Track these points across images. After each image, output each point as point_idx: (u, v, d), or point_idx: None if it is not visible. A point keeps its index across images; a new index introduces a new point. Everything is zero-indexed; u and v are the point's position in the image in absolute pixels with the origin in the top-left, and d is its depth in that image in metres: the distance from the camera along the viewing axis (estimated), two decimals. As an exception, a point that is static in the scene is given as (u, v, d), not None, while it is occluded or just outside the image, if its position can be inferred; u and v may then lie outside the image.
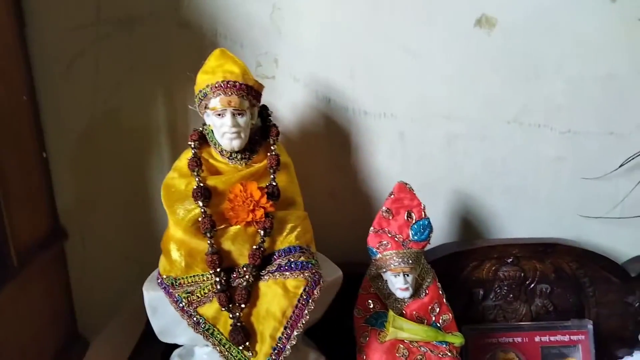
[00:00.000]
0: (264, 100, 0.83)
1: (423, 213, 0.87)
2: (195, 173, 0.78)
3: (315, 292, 0.73)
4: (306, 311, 0.72)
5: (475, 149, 1.06)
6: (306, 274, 0.74)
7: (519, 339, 0.99)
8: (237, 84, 0.75)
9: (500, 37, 1.00)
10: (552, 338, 1.00)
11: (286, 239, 0.78)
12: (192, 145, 0.80)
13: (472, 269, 1.02)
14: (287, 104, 1.01)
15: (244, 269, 0.76)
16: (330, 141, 1.04)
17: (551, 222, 1.09)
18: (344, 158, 1.05)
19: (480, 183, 1.07)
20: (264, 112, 0.85)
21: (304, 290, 0.73)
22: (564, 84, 1.03)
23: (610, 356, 1.02)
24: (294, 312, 0.72)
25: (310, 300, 0.73)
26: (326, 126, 1.03)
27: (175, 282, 0.77)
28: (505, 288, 1.02)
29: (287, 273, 0.75)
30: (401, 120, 1.03)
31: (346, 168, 1.05)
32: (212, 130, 0.80)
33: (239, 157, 0.80)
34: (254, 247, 0.76)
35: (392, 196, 0.88)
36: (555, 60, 1.01)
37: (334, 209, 1.06)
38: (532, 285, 1.03)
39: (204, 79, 0.77)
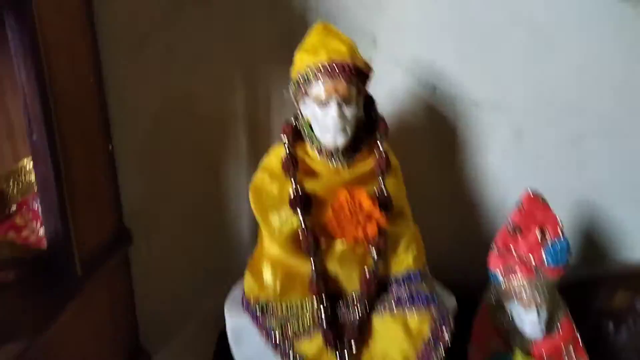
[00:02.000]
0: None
1: (561, 232, 0.75)
2: (290, 175, 0.68)
3: (445, 334, 0.61)
4: (435, 357, 0.59)
5: (605, 150, 0.94)
6: (433, 311, 0.62)
7: (660, 385, 0.84)
8: (346, 66, 0.64)
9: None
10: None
11: (403, 261, 0.69)
12: (286, 142, 0.69)
13: (602, 300, 0.88)
14: (384, 91, 0.88)
15: (355, 298, 0.66)
16: (434, 136, 0.94)
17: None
18: (449, 156, 0.95)
19: (610, 192, 0.95)
20: (369, 103, 0.73)
21: (431, 330, 0.61)
22: None
23: None
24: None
25: (439, 345, 0.60)
26: (430, 119, 0.93)
27: (267, 309, 0.68)
28: (643, 322, 0.89)
29: (409, 308, 0.64)
30: (518, 114, 0.92)
31: (451, 168, 0.96)
32: (309, 124, 0.69)
33: (341, 156, 0.69)
34: (367, 271, 0.65)
35: (522, 209, 0.76)
36: None
37: (435, 217, 0.94)
38: (678, 319, 0.88)
39: (304, 59, 0.66)
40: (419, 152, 0.93)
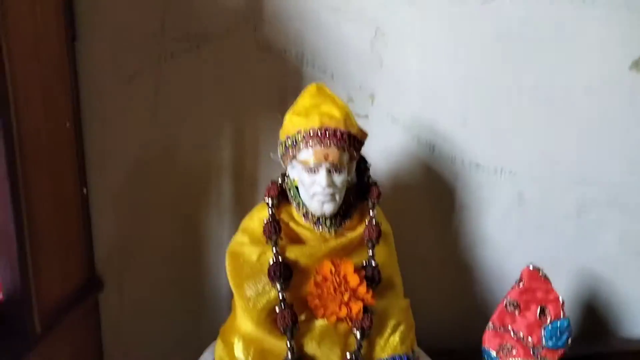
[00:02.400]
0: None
1: (562, 311, 0.70)
2: (272, 241, 0.62)
3: None
4: None
5: (612, 220, 0.90)
6: None
7: None
8: (338, 132, 0.60)
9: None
10: None
11: (388, 344, 0.63)
12: (270, 203, 0.64)
13: None
14: (379, 149, 0.85)
15: None
16: (431, 197, 0.90)
17: None
18: (446, 219, 0.90)
19: (615, 263, 0.91)
20: (362, 166, 0.68)
21: None
22: None
23: None
24: None
25: None
26: (427, 178, 0.89)
27: None
28: (649, 406, 0.81)
29: None
30: (521, 179, 0.89)
31: (448, 231, 0.91)
32: (296, 187, 0.64)
33: (328, 223, 0.64)
34: (348, 353, 0.59)
35: (521, 285, 0.71)
36: None
37: (426, 281, 0.90)
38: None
39: (294, 123, 0.62)
40: (415, 212, 0.88)
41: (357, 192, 0.67)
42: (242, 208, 0.78)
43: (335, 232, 0.64)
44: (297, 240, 0.64)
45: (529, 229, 0.89)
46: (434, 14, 0.81)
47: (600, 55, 0.82)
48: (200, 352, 0.72)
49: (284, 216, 0.65)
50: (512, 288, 0.70)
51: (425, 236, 0.89)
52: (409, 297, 0.71)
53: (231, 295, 0.70)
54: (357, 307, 0.57)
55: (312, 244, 0.63)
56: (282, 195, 0.66)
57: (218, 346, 0.65)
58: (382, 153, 0.85)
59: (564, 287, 0.90)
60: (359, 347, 0.59)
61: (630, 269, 0.89)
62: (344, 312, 0.57)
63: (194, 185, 0.87)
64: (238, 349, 0.60)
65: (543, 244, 0.88)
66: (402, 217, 0.83)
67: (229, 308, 0.71)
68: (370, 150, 0.81)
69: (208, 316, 0.87)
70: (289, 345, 0.58)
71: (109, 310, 0.91)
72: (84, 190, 0.84)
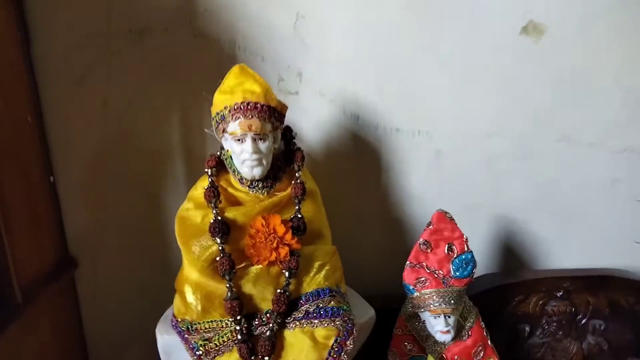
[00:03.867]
0: (287, 118, 0.75)
1: (466, 246, 0.80)
2: (212, 204, 0.71)
3: (348, 342, 0.67)
4: (338, 365, 0.64)
5: (519, 169, 0.99)
6: (337, 322, 0.67)
7: (571, 382, 0.90)
8: (259, 105, 0.68)
9: (549, 45, 0.92)
10: (608, 381, 0.90)
11: (314, 280, 0.72)
12: (209, 173, 0.73)
13: (516, 304, 0.95)
14: (311, 121, 0.94)
15: (267, 315, 0.69)
16: (358, 161, 0.98)
17: (604, 250, 1.02)
18: (373, 180, 0.99)
19: (524, 207, 1.01)
20: (288, 134, 0.77)
21: (336, 341, 0.67)
22: (621, 97, 0.94)
23: (674, 400, 0.92)
24: (324, 367, 0.65)
25: (342, 353, 0.65)
26: (354, 145, 0.96)
27: (191, 327, 0.71)
28: (554, 324, 0.95)
29: (316, 321, 0.68)
30: (437, 138, 0.97)
31: (376, 191, 0.99)
32: (230, 156, 0.73)
33: (260, 185, 0.73)
34: (278, 290, 0.69)
35: (431, 227, 0.81)
36: (611, 70, 0.93)
37: (363, 235, 0.99)
38: (584, 321, 0.95)
39: (221, 100, 0.70)
40: (346, 175, 0.96)
41: (285, 157, 0.75)
42: (195, 180, 0.82)
43: (268, 193, 0.73)
44: (236, 203, 0.73)
45: (447, 182, 0.97)
46: None
47: (497, 23, 0.90)
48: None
49: (223, 183, 0.74)
50: (424, 230, 0.80)
51: (358, 195, 0.97)
52: (342, 247, 0.79)
53: None
54: (284, 251, 0.67)
55: (248, 205, 0.72)
56: (221, 165, 0.74)
57: (175, 297, 0.74)
58: (313, 124, 0.94)
59: (483, 230, 1.01)
60: (287, 284, 0.68)
61: (537, 210, 0.99)
62: (273, 256, 0.67)
63: (151, 165, 0.94)
64: (189, 293, 0.70)
65: (461, 194, 0.97)
66: (335, 180, 0.94)
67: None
68: (303, 122, 0.92)
69: (173, 278, 0.94)
70: (228, 286, 0.67)
71: (85, 285, 0.99)
72: (51, 178, 0.91)
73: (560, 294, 0.93)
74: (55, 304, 0.92)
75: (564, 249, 1.01)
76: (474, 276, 0.80)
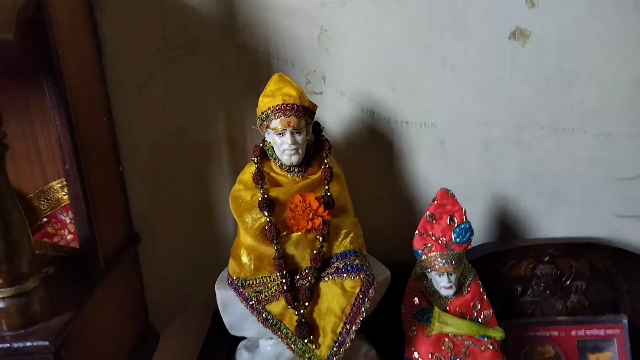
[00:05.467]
0: (315, 114, 0.91)
1: (464, 217, 0.95)
2: (259, 186, 0.87)
3: (370, 291, 0.82)
4: (363, 308, 0.82)
5: (510, 153, 1.11)
6: (361, 276, 0.83)
7: (556, 333, 1.05)
8: (295, 106, 0.84)
9: (533, 48, 1.05)
10: (588, 332, 1.05)
11: (342, 244, 0.87)
12: (255, 160, 0.90)
13: (510, 267, 1.08)
14: (334, 117, 1.09)
15: (306, 271, 0.85)
16: (374, 150, 1.11)
17: (586, 221, 1.15)
18: (387, 165, 1.12)
19: (516, 185, 1.13)
20: (317, 128, 0.93)
21: (360, 290, 0.83)
22: (596, 89, 1.08)
23: (646, 349, 1.06)
24: (352, 310, 0.82)
25: (366, 299, 0.82)
26: (371, 136, 1.10)
27: (245, 283, 0.86)
28: (542, 285, 1.08)
29: (345, 275, 0.84)
30: (440, 129, 1.10)
31: (390, 174, 1.12)
32: (272, 147, 0.90)
33: (296, 170, 0.89)
34: (314, 251, 0.85)
35: (435, 202, 0.96)
36: (587, 67, 1.07)
37: (380, 212, 1.13)
38: (568, 282, 1.08)
39: (265, 102, 0.87)
40: (364, 162, 1.10)
41: (315, 147, 0.91)
42: (237, 169, 0.97)
43: (302, 176, 0.89)
44: (276, 184, 0.89)
45: (450, 166, 1.10)
46: (361, 13, 1.01)
47: (489, 30, 1.03)
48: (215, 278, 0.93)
49: (266, 169, 0.89)
50: (430, 205, 0.94)
51: (375, 179, 1.11)
52: (362, 221, 0.93)
53: (233, 231, 0.96)
54: (318, 221, 0.83)
55: (287, 185, 0.88)
56: (264, 154, 0.90)
57: (230, 262, 0.90)
58: (335, 119, 1.08)
59: (481, 206, 1.13)
60: (321, 246, 0.83)
61: (527, 188, 1.12)
62: (310, 225, 0.83)
63: (200, 156, 1.09)
64: (244, 255, 0.85)
65: (462, 176, 1.10)
66: (355, 166, 1.07)
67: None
68: (327, 117, 1.07)
69: (220, 251, 1.10)
70: (276, 248, 0.83)
71: (146, 258, 1.14)
72: (120, 167, 1.08)
73: (547, 259, 1.06)
74: (125, 271, 1.08)
75: (551, 222, 1.15)
76: (472, 243, 0.95)
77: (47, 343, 0.76)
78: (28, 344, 0.76)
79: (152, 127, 1.08)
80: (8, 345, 0.76)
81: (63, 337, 0.78)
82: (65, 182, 1.00)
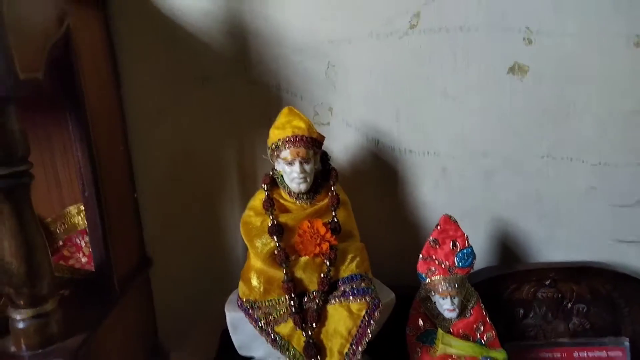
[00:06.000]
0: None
1: (467, 242, 0.98)
2: (269, 212, 0.91)
3: (375, 314, 0.86)
4: (369, 330, 0.84)
5: (511, 181, 1.15)
6: (367, 299, 0.87)
7: (558, 355, 1.08)
8: (304, 137, 0.89)
9: (531, 81, 1.10)
10: (590, 354, 1.08)
11: (348, 268, 0.90)
12: (265, 188, 0.94)
13: (512, 291, 1.11)
14: (340, 146, 1.13)
15: (314, 294, 0.88)
16: (380, 177, 1.14)
17: (586, 246, 1.18)
18: (392, 192, 1.15)
19: (517, 212, 1.16)
20: (325, 157, 0.97)
21: (366, 312, 0.86)
22: (593, 120, 1.12)
23: (648, 372, 1.08)
24: (358, 331, 0.85)
25: (372, 321, 0.85)
26: (376, 164, 1.13)
27: (255, 305, 0.89)
28: (544, 308, 1.11)
29: (351, 298, 0.87)
30: (443, 157, 1.13)
31: (395, 201, 1.16)
32: (281, 175, 0.94)
33: (304, 197, 0.93)
34: (322, 275, 0.88)
35: (439, 227, 0.99)
36: (583, 99, 1.11)
37: (385, 237, 1.17)
38: (569, 305, 1.11)
39: (276, 134, 0.91)
40: (369, 188, 1.13)
41: (323, 175, 0.95)
42: (247, 196, 0.99)
43: (310, 203, 0.92)
44: (285, 210, 0.93)
45: (453, 192, 1.14)
46: (366, 49, 1.07)
47: (489, 65, 1.08)
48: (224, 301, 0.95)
49: (275, 196, 0.93)
50: (433, 230, 0.98)
51: (380, 205, 1.14)
52: (368, 245, 0.96)
53: (245, 257, 0.97)
54: (325, 246, 0.87)
55: (295, 212, 0.92)
56: (273, 182, 0.94)
57: (240, 285, 0.93)
58: (342, 149, 1.12)
59: (482, 231, 1.16)
60: (329, 270, 0.86)
61: (527, 214, 1.15)
62: (317, 249, 0.86)
63: (211, 183, 1.12)
64: (253, 279, 0.88)
65: (464, 202, 1.13)
66: (360, 193, 1.10)
67: (243, 265, 0.96)
68: (334, 147, 1.11)
69: (230, 274, 1.14)
70: (285, 272, 0.86)
71: (157, 281, 1.17)
72: (135, 194, 1.12)
73: (548, 282, 1.09)
74: (138, 293, 1.11)
75: (552, 246, 1.18)
76: (474, 267, 0.98)
77: (64, 362, 0.78)
78: (46, 362, 0.78)
79: (165, 155, 1.12)
80: (26, 364, 0.79)
81: (79, 356, 0.81)
82: (81, 207, 1.05)
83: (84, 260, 1.10)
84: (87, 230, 0.97)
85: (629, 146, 1.13)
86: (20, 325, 0.80)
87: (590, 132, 1.13)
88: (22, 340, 0.81)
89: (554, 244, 1.19)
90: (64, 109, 0.90)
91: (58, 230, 1.10)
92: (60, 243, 1.10)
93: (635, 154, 1.14)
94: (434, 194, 1.15)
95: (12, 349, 0.81)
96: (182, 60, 1.07)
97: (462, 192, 1.15)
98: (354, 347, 0.84)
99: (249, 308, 0.90)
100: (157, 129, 1.10)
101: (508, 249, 1.19)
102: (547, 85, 1.10)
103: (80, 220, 1.09)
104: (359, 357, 0.84)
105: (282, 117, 0.91)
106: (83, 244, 1.11)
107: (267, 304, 0.89)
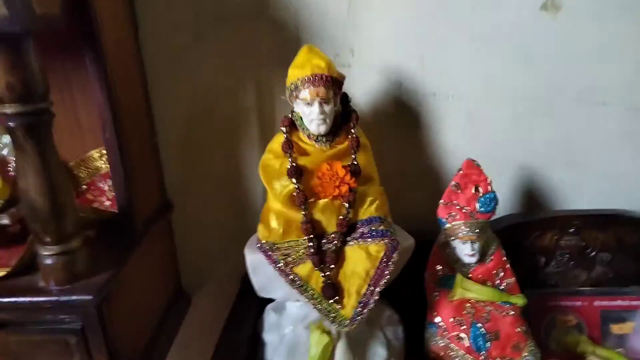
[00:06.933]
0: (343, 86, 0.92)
1: (489, 187, 0.96)
2: (288, 154, 0.90)
3: (394, 255, 0.85)
4: (387, 272, 0.85)
5: (539, 125, 1.11)
6: (385, 240, 0.86)
7: (579, 303, 1.06)
8: (324, 76, 0.86)
9: (565, 20, 1.04)
10: (611, 303, 1.06)
11: (367, 210, 0.90)
12: (284, 130, 0.93)
13: (535, 238, 1.09)
14: (362, 89, 1.11)
15: (333, 235, 0.88)
16: (402, 122, 1.12)
17: (615, 195, 1.14)
18: (415, 137, 1.14)
19: (544, 158, 1.14)
20: (345, 99, 0.95)
21: (384, 254, 0.86)
22: (628, 63, 1.06)
23: (671, 321, 1.06)
24: (376, 273, 0.85)
25: (389, 263, 0.85)
26: (398, 108, 1.11)
27: (274, 247, 0.90)
28: (567, 256, 1.09)
29: (370, 239, 0.87)
30: (468, 101, 1.10)
31: (417, 146, 1.14)
32: (300, 117, 0.92)
33: (324, 139, 0.92)
34: (340, 217, 0.88)
35: (461, 172, 0.97)
36: (619, 40, 1.05)
37: (405, 182, 1.15)
38: (593, 253, 1.09)
39: (294, 73, 0.89)
40: (391, 134, 1.12)
41: (343, 118, 0.93)
42: (266, 141, 0.98)
43: (330, 145, 0.91)
44: (304, 153, 0.91)
45: (477, 138, 1.11)
46: None
47: (520, 2, 1.03)
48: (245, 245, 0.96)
49: (294, 138, 0.92)
50: (455, 174, 0.96)
51: (401, 150, 1.13)
52: (388, 191, 0.96)
53: (264, 201, 0.97)
54: (344, 188, 0.86)
55: (315, 154, 0.91)
56: (292, 124, 0.93)
57: (259, 227, 0.93)
58: (364, 91, 1.10)
59: (507, 178, 1.14)
60: (347, 212, 0.86)
61: (555, 161, 1.12)
62: (336, 192, 0.86)
63: (230, 126, 1.12)
64: (273, 220, 0.89)
65: (489, 148, 1.10)
66: (382, 138, 1.08)
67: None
68: (355, 89, 1.08)
69: (249, 218, 1.16)
70: (303, 213, 0.86)
71: (179, 225, 1.20)
72: (155, 138, 1.12)
73: (572, 230, 1.07)
74: (159, 237, 1.13)
75: (579, 194, 1.15)
76: (497, 213, 0.96)
77: (90, 297, 0.81)
78: (73, 297, 0.82)
79: (184, 99, 1.12)
80: (55, 298, 0.82)
81: (104, 293, 0.84)
82: (103, 151, 1.07)
83: (107, 203, 1.11)
84: (110, 172, 0.99)
85: (666, 91, 1.07)
86: (48, 261, 0.83)
87: (626, 76, 1.07)
88: (50, 276, 0.84)
89: (582, 193, 1.16)
90: (81, 51, 0.89)
91: (81, 175, 1.12)
92: (84, 187, 1.12)
93: (672, 98, 1.08)
94: (458, 139, 1.13)
95: (41, 283, 0.84)
96: (199, 1, 1.04)
97: (487, 137, 1.13)
98: (372, 288, 0.85)
99: (268, 249, 0.90)
100: (175, 73, 1.09)
101: (534, 198, 1.17)
102: (582, 25, 1.04)
103: (102, 164, 1.11)
104: (377, 297, 0.85)
105: (301, 56, 0.89)
106: (106, 188, 1.12)
107: (286, 245, 0.89)
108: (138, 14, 1.05)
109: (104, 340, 0.83)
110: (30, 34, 0.72)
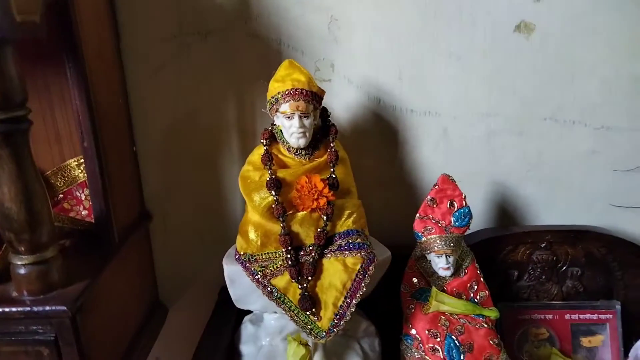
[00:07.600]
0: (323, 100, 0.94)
1: (464, 202, 0.99)
2: (267, 167, 0.91)
3: (370, 268, 0.87)
4: (363, 284, 0.86)
5: (512, 143, 1.14)
6: (362, 253, 0.87)
7: (550, 316, 1.09)
8: (304, 91, 0.88)
9: (538, 41, 1.08)
10: (581, 316, 1.09)
11: (345, 223, 0.91)
12: (264, 143, 0.94)
13: (508, 252, 1.12)
14: (341, 104, 1.12)
15: (310, 247, 0.89)
16: (380, 137, 1.14)
17: (583, 210, 1.18)
18: (392, 152, 1.15)
19: (516, 174, 1.16)
20: (324, 113, 0.97)
21: (361, 266, 0.87)
22: (598, 83, 1.11)
23: (638, 334, 1.08)
24: (352, 285, 0.86)
25: (366, 275, 0.86)
26: (376, 123, 1.13)
27: (252, 258, 0.90)
28: (539, 270, 1.12)
29: (347, 252, 0.88)
30: (444, 118, 1.13)
31: (394, 161, 1.16)
32: (281, 130, 0.93)
33: (303, 152, 0.93)
34: (319, 229, 0.89)
35: (437, 187, 1.00)
36: (590, 62, 1.09)
37: (382, 196, 1.17)
38: (564, 268, 1.12)
39: (275, 87, 0.90)
40: (369, 148, 1.13)
41: (322, 132, 0.95)
42: (247, 151, 0.99)
43: (309, 159, 0.92)
44: (284, 166, 0.92)
45: (452, 154, 1.13)
46: (370, 3, 1.04)
47: (495, 23, 1.06)
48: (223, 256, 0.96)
49: (274, 151, 0.93)
50: (431, 189, 0.98)
51: (379, 164, 1.14)
52: (365, 204, 0.96)
53: (243, 212, 0.97)
54: (323, 201, 0.87)
55: (294, 167, 0.91)
56: (272, 137, 0.94)
57: (237, 238, 0.94)
58: (343, 106, 1.11)
59: (481, 193, 1.17)
60: (325, 225, 0.87)
61: (527, 177, 1.15)
62: (315, 204, 0.87)
63: (211, 138, 1.12)
64: (251, 232, 0.89)
65: (464, 164, 1.13)
66: (360, 152, 1.11)
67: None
68: (334, 104, 1.10)
69: (228, 230, 1.15)
70: (282, 226, 0.87)
71: (156, 235, 1.19)
72: (134, 148, 1.12)
73: (544, 245, 1.10)
74: (137, 247, 1.12)
75: (549, 210, 1.18)
76: (471, 227, 0.99)
77: (64, 308, 0.80)
78: (47, 308, 0.80)
79: (165, 110, 1.12)
80: (28, 308, 0.81)
81: (79, 303, 0.83)
82: (81, 160, 1.06)
83: (84, 212, 1.11)
84: (87, 181, 0.98)
85: (633, 111, 1.12)
86: (22, 270, 0.82)
87: (595, 95, 1.11)
88: (24, 286, 0.83)
89: (553, 208, 1.19)
90: (62, 59, 0.89)
91: (58, 184, 1.11)
92: (61, 196, 1.11)
93: (638, 119, 1.12)
94: (434, 154, 1.15)
95: (14, 293, 0.83)
96: (182, 14, 1.06)
97: (462, 153, 1.15)
98: (348, 300, 0.86)
99: (246, 261, 0.91)
100: (156, 84, 1.09)
101: (506, 212, 1.20)
102: (553, 46, 1.08)
103: (79, 173, 1.10)
104: (353, 309, 0.86)
105: (282, 70, 0.90)
106: (83, 197, 1.11)
107: (264, 257, 0.90)
108: (120, 23, 1.06)
109: (77, 352, 0.82)
110: (9, 42, 0.71)
